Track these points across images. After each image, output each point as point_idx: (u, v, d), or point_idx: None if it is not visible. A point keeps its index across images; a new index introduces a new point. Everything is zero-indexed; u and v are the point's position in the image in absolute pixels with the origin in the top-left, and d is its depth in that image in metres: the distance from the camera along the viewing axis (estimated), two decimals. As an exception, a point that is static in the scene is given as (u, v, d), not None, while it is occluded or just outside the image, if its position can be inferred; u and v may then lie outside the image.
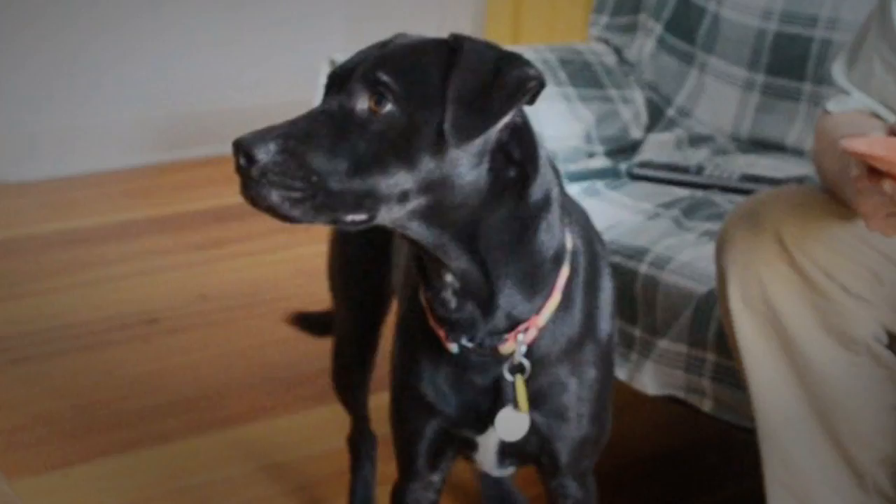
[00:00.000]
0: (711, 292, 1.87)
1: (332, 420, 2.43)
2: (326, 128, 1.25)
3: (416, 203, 1.27)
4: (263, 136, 1.23)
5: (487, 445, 1.49)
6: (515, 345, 1.39)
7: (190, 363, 2.69)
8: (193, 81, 4.04)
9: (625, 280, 1.96)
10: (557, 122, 2.37)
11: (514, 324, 1.39)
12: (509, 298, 1.37)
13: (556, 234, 1.38)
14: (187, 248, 3.32)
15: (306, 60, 3.49)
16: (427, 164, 1.26)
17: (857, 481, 1.65)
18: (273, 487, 2.23)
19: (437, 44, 1.30)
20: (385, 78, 1.25)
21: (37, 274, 3.15)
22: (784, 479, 1.66)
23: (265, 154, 1.22)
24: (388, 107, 1.25)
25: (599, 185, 2.32)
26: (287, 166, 1.22)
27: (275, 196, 1.23)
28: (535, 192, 1.34)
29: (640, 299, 1.97)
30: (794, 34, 2.39)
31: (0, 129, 3.80)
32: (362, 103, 1.26)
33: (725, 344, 1.82)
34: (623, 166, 2.42)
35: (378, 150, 1.25)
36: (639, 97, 2.57)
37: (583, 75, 2.52)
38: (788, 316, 1.60)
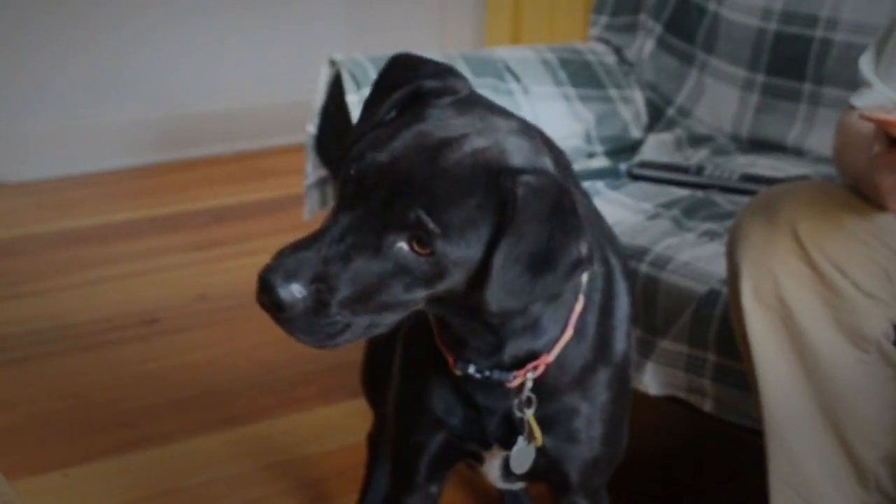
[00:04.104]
0: (712, 292, 1.87)
1: (333, 420, 2.44)
2: (357, 261, 1.17)
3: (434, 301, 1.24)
4: (289, 275, 1.15)
5: (492, 461, 1.48)
6: (524, 379, 1.37)
7: (190, 363, 2.69)
8: (193, 81, 4.04)
9: (625, 280, 1.96)
10: (557, 122, 2.37)
11: (524, 362, 1.36)
12: (518, 344, 1.34)
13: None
14: (187, 248, 3.32)
15: (306, 60, 3.49)
16: (457, 285, 1.21)
17: (860, 479, 1.65)
18: (273, 487, 2.23)
19: (489, 182, 1.18)
20: (431, 225, 1.16)
21: (37, 274, 3.15)
22: (787, 475, 1.66)
23: (289, 297, 1.16)
24: (428, 251, 1.17)
25: (599, 185, 2.32)
26: (315, 316, 1.18)
27: (303, 337, 1.22)
28: None
29: (640, 299, 1.97)
30: (794, 34, 2.38)
31: (0, 129, 3.80)
32: (400, 241, 1.17)
33: (726, 344, 1.82)
34: (623, 166, 2.42)
35: (410, 284, 1.19)
36: (639, 97, 2.57)
37: (583, 75, 2.52)
38: (800, 312, 1.59)
